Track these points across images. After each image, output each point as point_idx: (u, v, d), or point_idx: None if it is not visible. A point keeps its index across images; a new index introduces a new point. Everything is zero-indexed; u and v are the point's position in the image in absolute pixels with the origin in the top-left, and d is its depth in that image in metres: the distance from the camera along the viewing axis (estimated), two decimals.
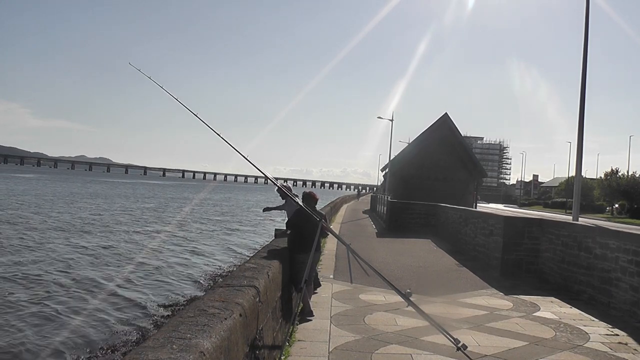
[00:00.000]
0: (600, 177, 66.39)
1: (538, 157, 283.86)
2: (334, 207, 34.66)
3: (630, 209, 53.90)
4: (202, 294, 9.30)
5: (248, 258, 8.22)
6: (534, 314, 7.70)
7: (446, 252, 15.28)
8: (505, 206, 78.43)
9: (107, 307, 11.90)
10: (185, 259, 19.58)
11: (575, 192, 16.95)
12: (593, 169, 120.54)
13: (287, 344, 5.53)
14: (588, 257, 9.01)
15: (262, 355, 4.45)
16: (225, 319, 3.28)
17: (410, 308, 5.41)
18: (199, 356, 2.54)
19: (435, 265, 12.80)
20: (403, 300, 5.26)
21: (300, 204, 6.82)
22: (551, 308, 8.16)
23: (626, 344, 6.27)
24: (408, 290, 6.03)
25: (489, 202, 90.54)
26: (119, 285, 14.10)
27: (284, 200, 8.68)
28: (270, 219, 37.87)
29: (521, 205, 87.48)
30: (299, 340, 5.88)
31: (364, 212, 39.56)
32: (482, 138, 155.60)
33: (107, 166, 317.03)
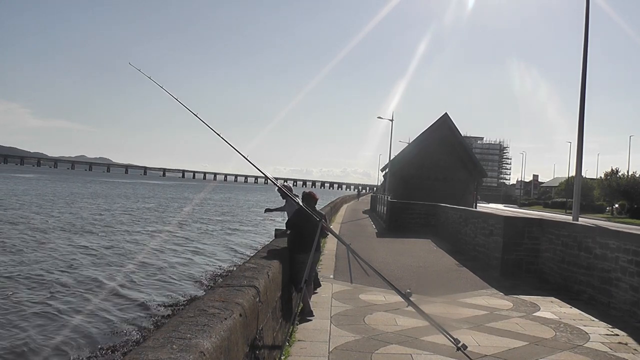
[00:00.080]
0: (600, 177, 66.42)
1: (538, 157, 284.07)
2: (334, 207, 34.67)
3: (630, 209, 53.91)
4: (203, 294, 9.31)
5: (248, 258, 8.22)
6: (534, 314, 7.70)
7: (446, 252, 15.28)
8: (505, 206, 78.44)
9: (108, 306, 11.91)
10: (186, 258, 19.58)
11: (575, 192, 16.95)
12: (593, 169, 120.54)
13: (287, 344, 5.53)
14: (588, 257, 9.01)
15: (262, 355, 4.45)
16: (225, 319, 3.28)
17: (410, 308, 5.41)
18: (199, 356, 2.54)
19: (435, 265, 12.80)
20: (403, 300, 5.26)
21: (301, 204, 6.82)
22: (551, 308, 8.16)
23: (626, 344, 6.27)
24: (408, 290, 6.03)
25: (489, 202, 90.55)
26: (119, 285, 14.10)
27: (285, 201, 8.68)
28: (271, 219, 37.88)
29: (521, 205, 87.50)
30: (299, 340, 5.88)
31: (364, 212, 39.57)
32: (482, 138, 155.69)
33: (107, 166, 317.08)
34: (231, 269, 16.72)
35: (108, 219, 32.56)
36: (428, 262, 13.13)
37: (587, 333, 6.69)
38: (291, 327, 5.92)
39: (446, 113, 36.77)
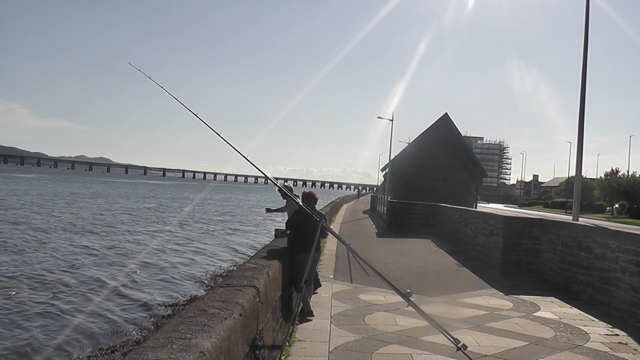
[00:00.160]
0: (600, 177, 66.43)
1: (538, 157, 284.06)
2: (334, 207, 34.67)
3: (630, 209, 53.91)
4: (203, 294, 9.31)
5: (249, 258, 8.22)
6: (534, 314, 7.70)
7: (446, 252, 15.28)
8: (505, 206, 78.43)
9: (108, 306, 11.91)
10: (187, 258, 19.59)
11: (575, 192, 16.95)
12: (593, 169, 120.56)
13: (287, 344, 5.53)
14: (588, 257, 9.01)
15: (262, 355, 4.45)
16: (225, 319, 3.29)
17: (410, 308, 5.41)
18: (199, 356, 2.55)
19: (435, 265, 12.80)
20: (403, 300, 5.26)
21: (301, 204, 6.82)
22: (551, 308, 8.16)
23: (626, 344, 6.27)
24: (408, 290, 6.03)
25: (489, 202, 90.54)
26: (120, 285, 14.10)
27: (285, 201, 8.67)
28: (271, 219, 37.87)
29: (521, 205, 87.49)
30: (299, 340, 5.88)
31: (364, 212, 39.57)
32: (482, 138, 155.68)
33: (107, 166, 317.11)
34: (232, 268, 16.73)
35: (109, 219, 32.57)
36: (428, 262, 13.13)
37: (587, 333, 6.69)
38: (291, 327, 5.92)
39: (446, 113, 36.80)
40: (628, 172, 62.15)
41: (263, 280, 4.83)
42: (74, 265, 16.61)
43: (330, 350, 5.60)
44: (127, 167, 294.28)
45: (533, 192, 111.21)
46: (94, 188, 79.38)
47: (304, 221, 6.68)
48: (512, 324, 7.07)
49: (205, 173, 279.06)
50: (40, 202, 42.95)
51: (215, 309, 3.45)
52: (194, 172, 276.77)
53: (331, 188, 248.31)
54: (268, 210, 10.75)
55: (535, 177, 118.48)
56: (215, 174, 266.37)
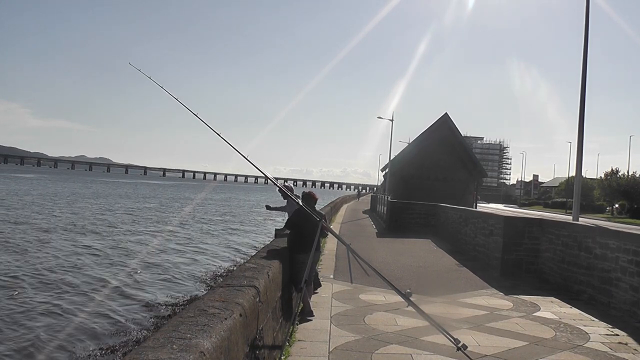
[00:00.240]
0: (600, 177, 66.45)
1: (538, 157, 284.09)
2: (334, 207, 34.67)
3: (630, 209, 53.92)
4: (203, 294, 9.31)
5: (249, 257, 8.23)
6: (534, 314, 7.70)
7: (446, 252, 15.28)
8: (505, 206, 78.39)
9: (109, 306, 11.92)
10: (188, 258, 19.61)
11: (575, 192, 16.95)
12: (593, 169, 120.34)
13: (287, 344, 5.53)
14: (588, 257, 9.01)
15: (262, 355, 4.45)
16: (225, 319, 3.29)
17: (410, 308, 5.41)
18: (199, 356, 2.55)
19: (435, 265, 12.80)
20: (403, 300, 5.26)
21: (301, 204, 6.82)
22: (551, 308, 8.16)
23: (626, 344, 6.27)
24: (408, 290, 6.04)
25: (489, 202, 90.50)
26: (121, 285, 14.12)
27: (286, 201, 8.68)
28: (271, 219, 37.90)
29: (521, 205, 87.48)
30: (299, 340, 5.88)
31: (364, 212, 39.56)
32: (482, 138, 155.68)
33: (107, 166, 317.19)
34: (232, 268, 16.73)
35: (110, 219, 32.58)
36: (428, 262, 13.13)
37: (587, 333, 6.69)
38: (291, 327, 5.92)
39: (446, 113, 36.80)
40: (628, 172, 62.22)
41: (263, 280, 4.83)
42: (75, 265, 16.62)
43: (330, 350, 5.60)
44: (127, 167, 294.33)
45: (533, 192, 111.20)
46: (94, 188, 79.39)
47: (304, 221, 6.68)
48: (512, 324, 7.07)
49: (205, 173, 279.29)
50: (41, 202, 42.96)
51: (215, 309, 3.46)
52: (194, 172, 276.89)
53: (331, 188, 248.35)
54: (268, 207, 10.77)
55: (535, 177, 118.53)
56: (215, 174, 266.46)
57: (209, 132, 5.80)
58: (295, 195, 7.65)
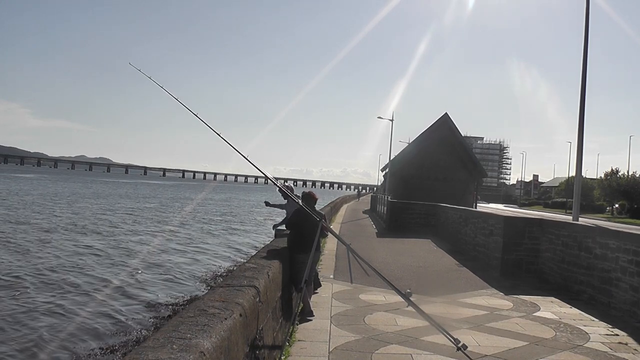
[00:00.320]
0: (600, 177, 66.45)
1: (538, 157, 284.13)
2: (334, 207, 34.67)
3: (630, 209, 53.91)
4: (203, 294, 9.32)
5: (249, 257, 8.23)
6: (534, 314, 7.70)
7: (446, 252, 15.28)
8: (505, 206, 78.40)
9: (108, 306, 11.92)
10: (189, 258, 19.62)
11: (575, 192, 16.95)
12: (593, 169, 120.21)
13: (287, 344, 5.53)
14: (588, 257, 9.01)
15: (262, 355, 4.45)
16: (226, 319, 3.29)
17: (410, 308, 5.41)
18: (199, 356, 2.55)
19: (435, 265, 12.80)
20: (403, 300, 5.26)
21: (301, 204, 6.82)
22: (551, 308, 8.16)
23: (626, 344, 6.27)
24: (408, 290, 6.04)
25: (489, 202, 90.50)
26: (120, 285, 14.13)
27: (286, 201, 8.68)
28: (272, 219, 37.87)
29: (521, 205, 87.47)
30: (299, 340, 5.88)
31: (364, 212, 39.56)
32: (482, 138, 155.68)
33: (107, 166, 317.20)
34: (232, 268, 16.74)
35: (111, 219, 32.60)
36: (428, 262, 13.13)
37: (587, 333, 6.69)
38: (291, 327, 5.93)
39: (446, 113, 36.81)
40: (628, 172, 62.23)
41: (263, 280, 4.83)
42: (77, 264, 16.64)
43: (330, 350, 5.60)
44: (127, 167, 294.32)
45: (533, 192, 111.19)
46: (94, 188, 79.39)
47: (304, 221, 6.68)
48: (512, 324, 7.07)
49: (205, 173, 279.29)
50: (41, 202, 42.97)
51: (215, 309, 3.46)
52: (194, 172, 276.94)
53: (331, 188, 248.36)
54: (267, 204, 10.76)
55: (535, 177, 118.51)
56: (215, 174, 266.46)
57: (209, 132, 5.79)
58: (296, 195, 7.65)
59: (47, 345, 9.27)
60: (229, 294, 3.99)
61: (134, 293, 13.34)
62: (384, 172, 48.93)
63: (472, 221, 15.04)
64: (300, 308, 6.87)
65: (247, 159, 5.70)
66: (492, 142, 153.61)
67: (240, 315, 3.62)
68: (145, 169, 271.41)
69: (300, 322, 6.62)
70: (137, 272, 15.95)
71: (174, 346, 2.59)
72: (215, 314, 3.32)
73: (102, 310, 11.54)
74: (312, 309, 6.99)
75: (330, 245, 14.86)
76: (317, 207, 7.84)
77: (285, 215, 9.05)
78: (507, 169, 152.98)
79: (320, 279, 9.06)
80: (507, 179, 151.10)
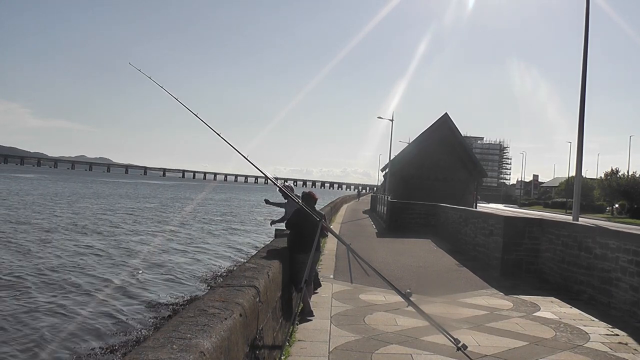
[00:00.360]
0: (600, 177, 66.43)
1: (538, 157, 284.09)
2: (334, 207, 34.67)
3: (630, 209, 53.90)
4: (203, 294, 9.32)
5: (249, 257, 8.23)
6: (534, 314, 7.70)
7: (446, 252, 15.28)
8: (505, 206, 78.39)
9: (109, 306, 11.93)
10: (189, 257, 19.63)
11: (575, 192, 16.95)
12: (593, 169, 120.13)
13: (287, 344, 5.54)
14: (588, 257, 9.01)
15: (262, 355, 4.46)
16: (226, 319, 3.29)
17: (410, 308, 5.41)
18: (199, 356, 2.55)
19: (435, 265, 12.80)
20: (403, 300, 5.27)
21: (301, 203, 6.83)
22: (551, 308, 8.17)
23: (626, 344, 6.27)
24: (408, 290, 6.04)
25: (489, 202, 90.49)
26: (121, 285, 14.14)
27: (286, 200, 8.68)
28: (272, 219, 37.87)
29: (521, 205, 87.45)
30: (299, 340, 5.89)
31: (364, 212, 39.56)
32: (482, 138, 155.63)
33: (107, 166, 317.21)
34: (232, 268, 16.75)
35: (111, 219, 32.61)
36: (428, 262, 13.13)
37: (587, 333, 6.69)
38: (291, 327, 5.93)
39: (446, 113, 36.80)
40: (628, 172, 62.20)
41: (263, 280, 4.83)
42: (78, 264, 16.66)
43: (330, 350, 5.60)
44: (127, 167, 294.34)
45: (533, 192, 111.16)
46: (94, 188, 79.41)
47: (304, 221, 6.68)
48: (512, 324, 7.07)
49: (205, 173, 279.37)
50: (42, 202, 42.99)
51: (215, 309, 3.46)
52: (194, 172, 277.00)
53: (331, 188, 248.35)
54: (267, 201, 10.79)
55: (535, 177, 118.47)
56: (215, 174, 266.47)
57: (209, 132, 5.80)
58: (296, 195, 7.65)
59: (48, 344, 9.28)
60: (229, 294, 3.99)
61: (135, 293, 13.35)
62: (384, 172, 48.93)
63: (472, 221, 15.04)
64: (300, 308, 6.87)
65: (247, 159, 5.71)
66: (492, 142, 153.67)
67: (240, 315, 3.63)
68: (145, 169, 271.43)
69: (300, 322, 6.62)
70: (138, 272, 15.96)
71: (174, 346, 2.60)
72: (215, 314, 3.33)
73: (102, 310, 11.55)
74: (312, 309, 6.99)
75: (330, 245, 14.86)
76: (317, 207, 7.84)
77: (284, 214, 9.05)
78: (507, 169, 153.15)
79: (320, 279, 9.06)
80: (507, 179, 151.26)
